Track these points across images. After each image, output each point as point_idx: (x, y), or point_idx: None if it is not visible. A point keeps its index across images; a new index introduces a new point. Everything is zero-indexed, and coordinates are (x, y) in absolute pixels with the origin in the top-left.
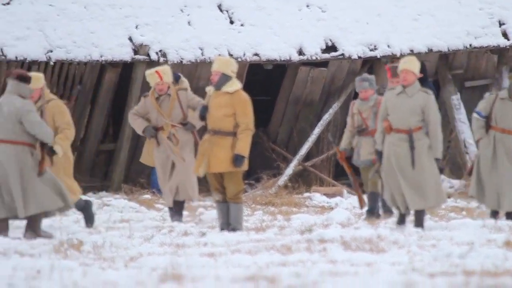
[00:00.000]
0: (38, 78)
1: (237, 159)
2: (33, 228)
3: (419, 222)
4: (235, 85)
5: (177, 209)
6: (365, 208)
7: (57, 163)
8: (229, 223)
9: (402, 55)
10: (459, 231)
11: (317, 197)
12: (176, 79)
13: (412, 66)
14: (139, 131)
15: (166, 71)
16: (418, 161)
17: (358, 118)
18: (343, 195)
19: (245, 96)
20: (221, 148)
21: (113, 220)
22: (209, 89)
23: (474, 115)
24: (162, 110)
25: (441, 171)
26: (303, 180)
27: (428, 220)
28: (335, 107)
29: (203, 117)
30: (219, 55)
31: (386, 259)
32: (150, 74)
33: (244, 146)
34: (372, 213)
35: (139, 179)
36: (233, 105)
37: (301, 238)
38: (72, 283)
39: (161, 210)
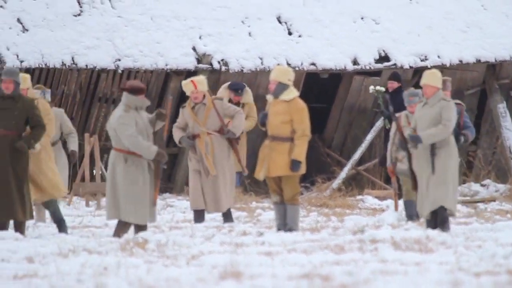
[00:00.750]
0: (25, 79)
1: (294, 164)
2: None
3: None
4: (292, 93)
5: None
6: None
7: (39, 158)
8: (286, 223)
9: (451, 65)
10: (503, 232)
11: (369, 200)
12: (241, 89)
13: (431, 80)
14: (177, 142)
15: (201, 81)
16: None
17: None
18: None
19: (302, 104)
20: (279, 153)
21: (176, 220)
22: (269, 97)
23: None
24: (198, 118)
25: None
26: (356, 184)
27: (474, 222)
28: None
29: (263, 123)
30: (278, 64)
31: (434, 259)
32: (186, 84)
33: (300, 152)
34: (412, 220)
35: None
36: (290, 112)
37: (353, 238)
38: (137, 279)
39: None
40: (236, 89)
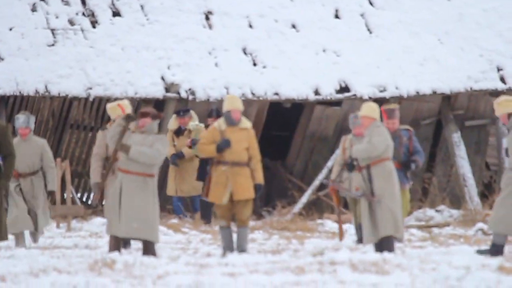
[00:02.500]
0: None
1: (258, 188)
2: None
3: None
4: (248, 122)
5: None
6: (344, 240)
7: None
8: (238, 245)
9: (409, 96)
10: (457, 256)
11: (329, 224)
12: (182, 111)
13: (369, 112)
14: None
15: (127, 105)
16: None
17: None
18: (352, 222)
19: (253, 132)
20: (245, 178)
21: None
22: (219, 125)
23: None
24: None
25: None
26: (316, 208)
27: (429, 246)
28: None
29: (222, 150)
30: (243, 94)
31: (390, 281)
32: (112, 108)
33: (261, 176)
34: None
35: (166, 206)
36: (248, 139)
37: (313, 260)
38: None
39: (186, 234)
40: (178, 112)
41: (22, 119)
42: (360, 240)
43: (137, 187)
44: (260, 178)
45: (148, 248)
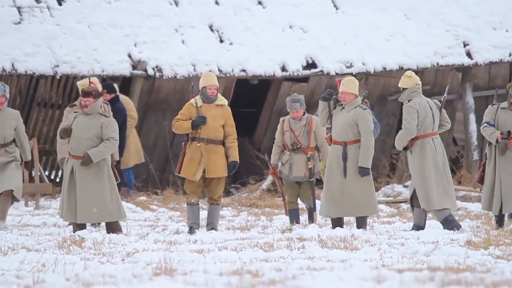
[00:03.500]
0: None
1: (233, 165)
2: None
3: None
4: (224, 99)
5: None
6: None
7: None
8: (208, 222)
9: (375, 72)
10: (425, 231)
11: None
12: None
13: (349, 88)
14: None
15: (97, 82)
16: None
17: (291, 135)
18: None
19: (230, 109)
20: (219, 155)
21: None
22: (196, 101)
23: (484, 125)
24: None
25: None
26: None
27: (397, 221)
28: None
29: (197, 126)
30: (210, 71)
31: (359, 256)
32: (83, 84)
33: (237, 154)
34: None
35: (135, 183)
36: (224, 117)
37: (282, 236)
38: (74, 275)
39: (155, 211)
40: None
41: None
42: (292, 223)
43: (91, 171)
44: (235, 156)
45: (112, 226)
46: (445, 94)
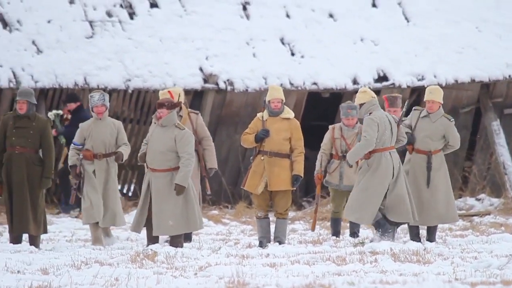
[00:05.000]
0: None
1: (296, 179)
2: None
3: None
4: (290, 112)
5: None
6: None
7: None
8: (275, 236)
9: (447, 85)
10: (498, 244)
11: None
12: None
13: (437, 96)
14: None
15: (178, 92)
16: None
17: (343, 143)
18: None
19: (298, 122)
20: (282, 168)
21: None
22: (262, 115)
23: None
24: None
25: None
26: None
27: (470, 235)
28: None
29: (261, 139)
30: (281, 84)
31: (432, 270)
32: (163, 94)
33: (301, 168)
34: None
35: (205, 197)
36: (290, 130)
37: (354, 250)
38: None
39: (227, 225)
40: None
41: (97, 97)
42: (335, 234)
43: (166, 183)
44: (298, 170)
45: (175, 240)
46: (404, 109)
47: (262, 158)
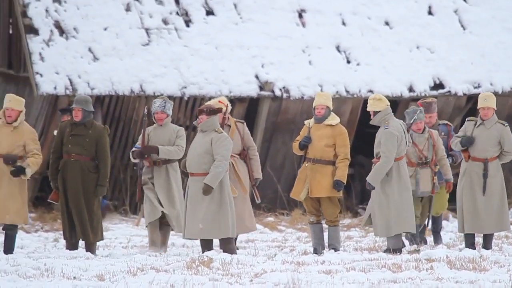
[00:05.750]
0: (21, 102)
1: (337, 184)
2: None
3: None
4: (336, 118)
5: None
6: None
7: (16, 184)
8: (329, 244)
9: (504, 92)
10: None
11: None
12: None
13: (491, 103)
14: None
15: (225, 100)
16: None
17: (415, 150)
18: (449, 219)
19: (344, 129)
20: (323, 175)
21: (240, 240)
22: (309, 122)
23: None
24: None
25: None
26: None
27: None
28: None
29: (304, 147)
30: (337, 92)
31: (488, 277)
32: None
33: (343, 174)
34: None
35: (261, 204)
36: (334, 136)
37: (410, 257)
38: None
39: (283, 232)
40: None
41: (158, 103)
42: (414, 242)
43: (201, 187)
44: (340, 175)
45: (225, 245)
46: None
47: (306, 165)
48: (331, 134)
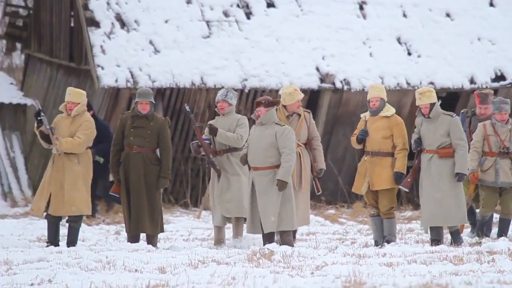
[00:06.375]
0: (80, 94)
1: (397, 176)
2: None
3: None
4: (391, 109)
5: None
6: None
7: (79, 175)
8: (384, 236)
9: None
10: None
11: None
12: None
13: None
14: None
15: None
16: None
17: (496, 139)
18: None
19: (400, 119)
20: (383, 167)
21: (301, 233)
22: (365, 115)
23: None
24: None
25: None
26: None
27: None
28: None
29: (362, 140)
30: (398, 84)
31: None
32: (293, 93)
33: (402, 165)
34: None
35: (321, 197)
36: (390, 127)
37: (471, 250)
38: None
39: (344, 224)
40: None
41: (220, 92)
42: (487, 234)
43: (268, 181)
44: (399, 167)
45: (284, 238)
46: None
47: (365, 158)
48: (387, 125)
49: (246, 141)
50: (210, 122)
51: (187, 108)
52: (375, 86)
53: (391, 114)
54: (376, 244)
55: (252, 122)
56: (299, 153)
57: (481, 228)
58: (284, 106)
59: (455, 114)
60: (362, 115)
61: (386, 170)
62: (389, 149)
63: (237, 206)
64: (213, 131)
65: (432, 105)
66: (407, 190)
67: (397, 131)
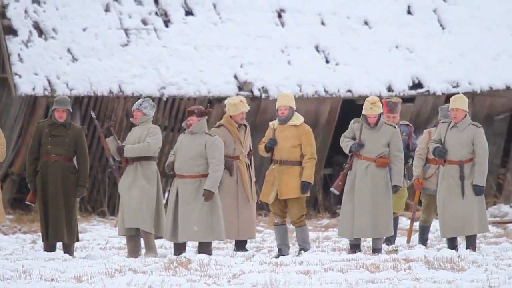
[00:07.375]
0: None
1: (304, 186)
2: None
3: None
4: (300, 118)
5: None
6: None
7: None
8: (299, 244)
9: (482, 92)
10: None
11: (403, 221)
12: None
13: (461, 104)
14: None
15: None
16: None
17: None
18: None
19: (309, 128)
20: (291, 176)
21: (217, 242)
22: (273, 124)
23: None
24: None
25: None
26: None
27: (504, 242)
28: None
29: (270, 149)
30: (316, 91)
31: (466, 277)
32: (238, 104)
33: (310, 174)
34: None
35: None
36: (299, 136)
37: (388, 257)
38: None
39: (261, 232)
40: None
41: (136, 102)
42: (423, 242)
43: (193, 190)
44: (306, 176)
45: (203, 247)
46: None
47: (273, 167)
48: (296, 134)
49: (173, 151)
50: (129, 133)
51: (93, 114)
52: (284, 95)
53: (300, 123)
54: (280, 252)
55: (171, 129)
56: (248, 164)
57: (423, 236)
58: (230, 117)
59: (396, 125)
60: (270, 123)
61: (294, 179)
62: (297, 158)
63: (135, 216)
64: (120, 150)
65: (380, 115)
66: (337, 193)
67: (306, 140)
